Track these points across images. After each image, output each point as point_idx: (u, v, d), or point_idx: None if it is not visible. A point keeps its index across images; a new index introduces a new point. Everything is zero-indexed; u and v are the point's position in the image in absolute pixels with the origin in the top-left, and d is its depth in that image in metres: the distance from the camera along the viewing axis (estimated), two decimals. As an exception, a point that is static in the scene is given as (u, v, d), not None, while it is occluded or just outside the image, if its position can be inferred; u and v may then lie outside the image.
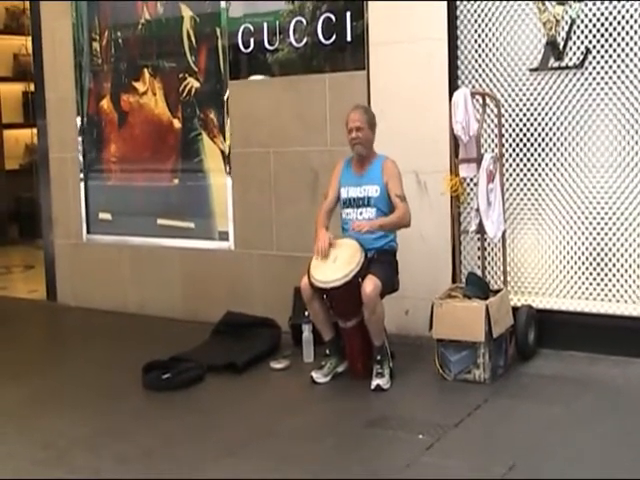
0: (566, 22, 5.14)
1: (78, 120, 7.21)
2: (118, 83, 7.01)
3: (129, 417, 4.55)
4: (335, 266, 4.75)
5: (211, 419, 4.46)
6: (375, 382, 4.72)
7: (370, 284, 4.63)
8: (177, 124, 6.70)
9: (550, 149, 5.29)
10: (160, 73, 6.77)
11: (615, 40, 5.02)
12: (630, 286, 5.12)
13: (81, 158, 7.23)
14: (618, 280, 5.15)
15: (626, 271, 5.12)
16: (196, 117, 6.58)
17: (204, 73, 6.52)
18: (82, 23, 7.14)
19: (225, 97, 6.34)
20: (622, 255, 5.13)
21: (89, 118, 7.20)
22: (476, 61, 5.47)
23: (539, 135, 5.31)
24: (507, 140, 5.38)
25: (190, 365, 5.11)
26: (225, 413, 4.54)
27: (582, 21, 5.10)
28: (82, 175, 7.24)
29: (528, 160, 5.37)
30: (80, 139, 7.23)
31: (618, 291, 5.16)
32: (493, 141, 5.36)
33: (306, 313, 5.14)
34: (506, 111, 5.37)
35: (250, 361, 5.26)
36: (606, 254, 5.17)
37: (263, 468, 3.81)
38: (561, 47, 5.17)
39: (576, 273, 5.28)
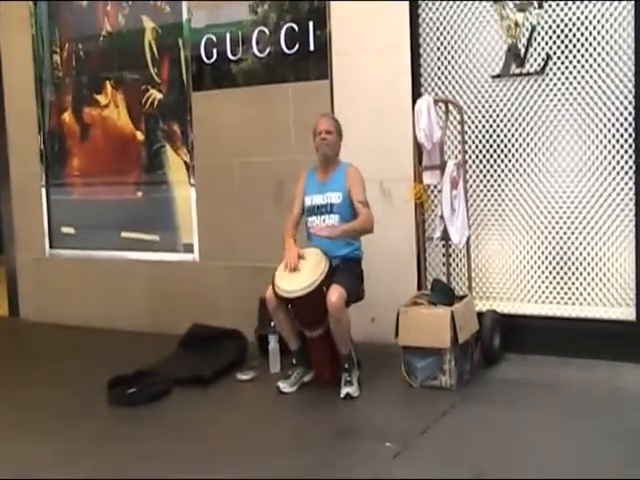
0: (527, 29, 5.18)
1: (39, 134, 7.13)
2: (80, 96, 6.96)
3: (95, 435, 4.42)
4: (300, 276, 4.72)
5: (178, 433, 4.37)
6: (345, 390, 4.69)
7: (335, 293, 4.60)
8: (140, 136, 6.66)
9: (513, 155, 5.32)
10: (122, 85, 6.72)
11: (575, 46, 5.07)
12: (593, 289, 5.16)
13: (43, 172, 7.16)
14: (581, 283, 5.19)
15: (589, 274, 5.16)
16: (159, 129, 6.55)
17: (167, 85, 6.48)
18: (42, 35, 7.08)
19: (188, 108, 6.31)
20: (585, 258, 5.17)
21: (51, 131, 7.13)
22: (439, 68, 5.49)
23: (502, 141, 5.34)
24: (470, 147, 5.39)
25: (156, 379, 5.03)
26: (192, 427, 4.47)
27: (542, 28, 5.14)
28: (44, 189, 7.17)
29: (491, 166, 5.39)
30: (42, 153, 7.15)
31: (581, 294, 5.20)
32: (456, 148, 5.36)
33: (272, 323, 5.09)
34: (469, 118, 5.39)
35: (216, 373, 5.21)
36: (569, 258, 5.21)
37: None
38: (522, 54, 5.20)
39: (540, 277, 5.31)
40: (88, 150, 6.98)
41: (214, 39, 6.14)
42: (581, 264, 5.18)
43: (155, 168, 6.61)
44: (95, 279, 6.88)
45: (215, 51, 6.14)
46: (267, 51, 5.94)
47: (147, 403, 4.81)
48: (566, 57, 5.09)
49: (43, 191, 7.17)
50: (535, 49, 5.16)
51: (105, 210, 6.90)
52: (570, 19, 5.06)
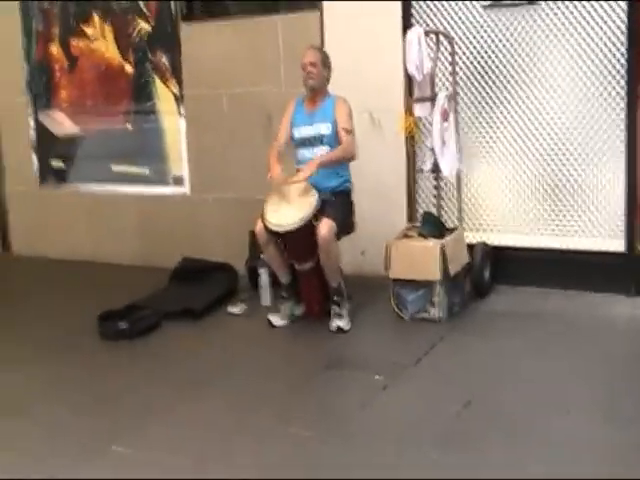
0: (518, -44, 5.07)
1: (26, 64, 7.00)
2: (67, 27, 6.80)
3: (86, 367, 4.47)
4: (290, 209, 4.69)
5: (169, 364, 4.42)
6: (335, 323, 4.71)
7: (325, 226, 4.59)
8: (129, 68, 6.55)
9: (504, 86, 5.25)
10: (110, 16, 6.57)
11: (568, -26, 4.98)
12: (583, 220, 5.16)
13: (31, 104, 7.04)
14: (572, 215, 5.18)
15: (580, 206, 5.15)
16: (148, 60, 6.43)
17: (155, 15, 6.35)
18: (26, -36, 6.90)
19: (177, 39, 6.20)
20: (575, 190, 5.15)
21: (38, 63, 6.98)
22: (431, -1, 5.40)
23: (493, 72, 5.27)
24: (461, 78, 5.33)
25: (147, 312, 5.05)
26: (183, 358, 4.51)
27: (535, -45, 5.04)
28: (33, 122, 7.06)
29: (483, 98, 5.34)
30: (29, 85, 7.03)
31: (572, 226, 5.19)
32: (447, 79, 5.29)
33: (262, 256, 5.08)
34: (460, 49, 5.31)
35: (207, 306, 5.22)
36: (560, 190, 5.20)
37: (221, 406, 3.82)
38: (513, -18, 5.11)
39: (530, 209, 5.29)
40: (76, 82, 6.85)
41: (204, -32, 6.01)
42: (572, 196, 5.17)
43: (144, 100, 6.50)
44: (86, 213, 6.84)
45: (205, -19, 6.00)
46: (258, -19, 5.82)
47: (138, 337, 4.83)
48: (559, -14, 5.00)
49: (32, 123, 7.06)
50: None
51: (94, 143, 6.81)
52: (563, -55, 4.96)
